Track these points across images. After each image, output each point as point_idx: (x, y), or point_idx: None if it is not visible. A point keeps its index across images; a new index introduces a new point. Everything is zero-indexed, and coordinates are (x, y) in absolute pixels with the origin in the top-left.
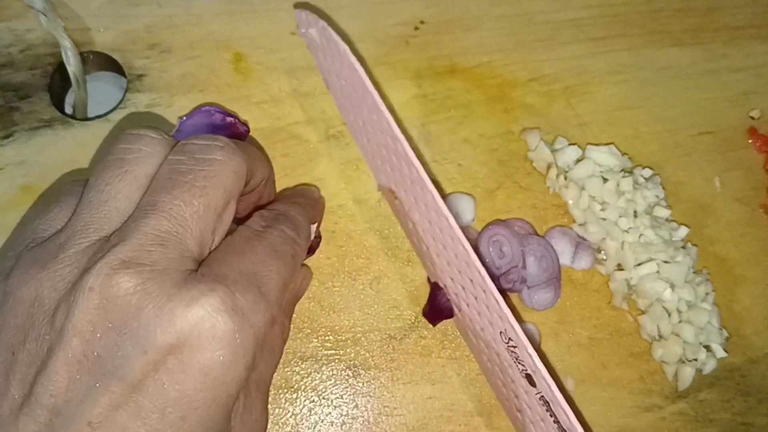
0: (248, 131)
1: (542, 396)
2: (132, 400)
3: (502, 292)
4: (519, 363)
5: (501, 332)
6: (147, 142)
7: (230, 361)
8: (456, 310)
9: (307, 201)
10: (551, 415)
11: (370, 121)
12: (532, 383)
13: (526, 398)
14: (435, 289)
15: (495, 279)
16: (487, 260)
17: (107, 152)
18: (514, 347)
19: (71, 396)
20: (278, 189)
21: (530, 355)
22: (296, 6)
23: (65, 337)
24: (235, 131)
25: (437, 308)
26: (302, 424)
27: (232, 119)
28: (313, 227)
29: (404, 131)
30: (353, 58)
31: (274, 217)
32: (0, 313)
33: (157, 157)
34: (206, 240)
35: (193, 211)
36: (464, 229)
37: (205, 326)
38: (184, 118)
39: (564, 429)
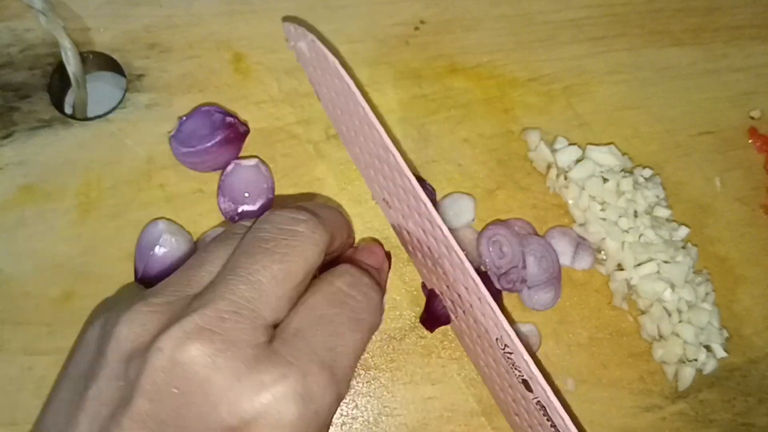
0: (248, 131)
1: (539, 401)
2: None
3: (499, 294)
4: (515, 369)
5: (497, 339)
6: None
7: None
8: (452, 317)
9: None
10: (548, 420)
11: (362, 132)
12: (529, 389)
13: (524, 403)
14: (431, 296)
15: (495, 279)
16: (487, 260)
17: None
18: (510, 353)
19: None
20: (277, 189)
21: (526, 362)
22: (285, 19)
23: (135, 393)
24: (234, 131)
25: (434, 315)
26: None
27: (231, 119)
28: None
29: (395, 141)
30: (343, 71)
31: (360, 278)
32: (85, 343)
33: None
34: (281, 307)
35: (271, 276)
36: (463, 229)
37: (271, 413)
38: (184, 118)
39: None
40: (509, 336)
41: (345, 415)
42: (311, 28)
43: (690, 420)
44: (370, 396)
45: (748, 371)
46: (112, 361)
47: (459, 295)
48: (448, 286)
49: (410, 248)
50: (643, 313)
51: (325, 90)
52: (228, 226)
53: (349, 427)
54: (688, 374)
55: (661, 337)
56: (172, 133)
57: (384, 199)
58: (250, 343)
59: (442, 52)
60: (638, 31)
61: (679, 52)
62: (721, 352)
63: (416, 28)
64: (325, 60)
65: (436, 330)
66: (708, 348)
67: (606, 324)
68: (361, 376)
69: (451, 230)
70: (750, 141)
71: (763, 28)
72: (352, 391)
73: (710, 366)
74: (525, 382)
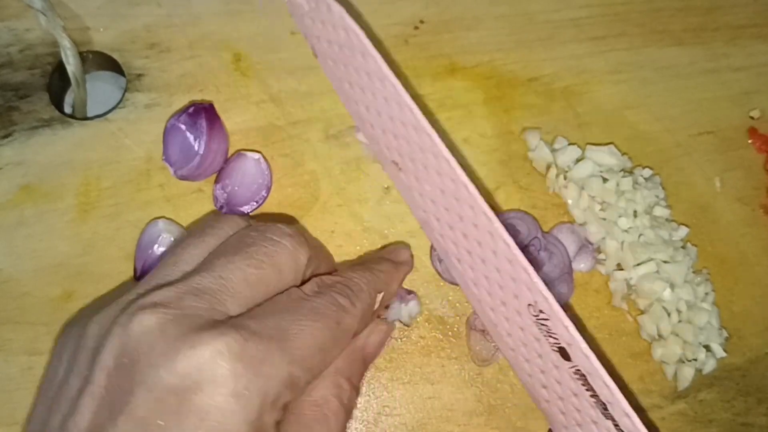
0: (211, 104)
1: (578, 369)
2: None
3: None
4: (550, 336)
5: (530, 305)
6: (231, 224)
7: (229, 410)
8: (470, 284)
9: (387, 267)
10: (588, 389)
11: (371, 87)
12: (566, 357)
13: (556, 373)
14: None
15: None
16: None
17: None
18: (545, 320)
19: (92, 430)
20: (276, 188)
21: (566, 327)
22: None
23: (95, 372)
24: (205, 113)
25: None
26: None
27: (191, 109)
28: (379, 296)
29: (413, 96)
30: (350, 20)
31: (331, 284)
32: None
33: (228, 234)
34: (250, 306)
35: (243, 277)
36: None
37: (206, 369)
38: (164, 146)
39: (603, 402)
40: (547, 300)
41: None
42: None
43: (689, 420)
44: (369, 396)
45: (747, 371)
46: (81, 357)
47: (483, 261)
48: (469, 252)
49: (422, 213)
50: (642, 312)
51: (325, 45)
52: (206, 222)
53: (349, 426)
54: (687, 374)
55: (660, 336)
56: (163, 158)
57: (393, 161)
58: (202, 317)
59: (442, 51)
60: (638, 30)
61: (680, 52)
62: (720, 352)
63: (416, 28)
64: (329, 9)
65: (436, 330)
66: (707, 348)
67: (605, 324)
68: None
69: None
70: (750, 141)
71: (764, 27)
72: None
73: (710, 366)
74: (561, 350)
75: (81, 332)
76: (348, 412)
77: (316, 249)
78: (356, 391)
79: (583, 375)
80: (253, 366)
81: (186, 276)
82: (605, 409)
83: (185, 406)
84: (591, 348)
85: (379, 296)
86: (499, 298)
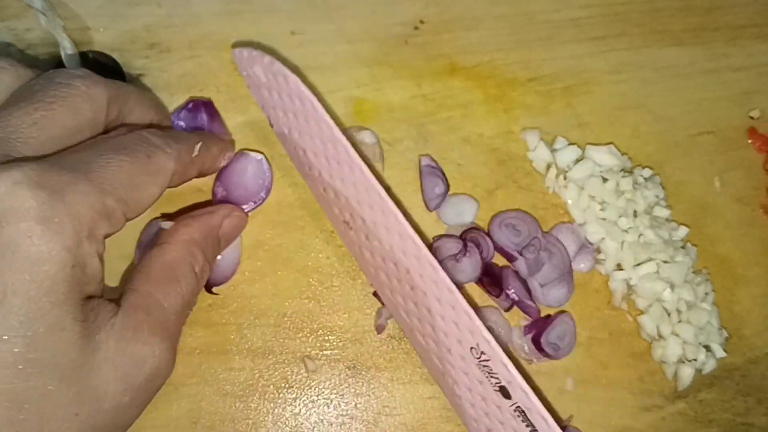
0: (210, 101)
1: (518, 407)
2: None
3: (499, 294)
4: (492, 376)
5: (472, 348)
6: (12, 76)
7: (40, 237)
8: (418, 336)
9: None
10: (528, 425)
11: (324, 152)
12: (506, 395)
13: (499, 414)
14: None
15: (515, 255)
16: (502, 242)
17: None
18: (487, 361)
19: None
20: (275, 188)
21: (505, 365)
22: (234, 45)
23: None
24: (204, 108)
25: None
26: (302, 424)
27: (190, 105)
28: (197, 146)
29: (364, 158)
30: (305, 88)
31: (137, 130)
32: None
33: (8, 85)
34: (46, 151)
35: (31, 121)
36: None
37: (5, 201)
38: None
39: None
40: (487, 341)
41: (345, 415)
42: (268, 49)
43: (689, 420)
44: (369, 396)
45: (747, 371)
46: None
47: (429, 310)
48: (416, 303)
49: (372, 270)
50: (642, 313)
51: (281, 114)
52: None
53: (349, 427)
54: (687, 374)
55: (660, 337)
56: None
57: (345, 221)
58: None
59: (442, 51)
60: (638, 30)
61: (680, 52)
62: (720, 352)
63: (416, 28)
64: (286, 80)
65: None
66: (707, 348)
67: (605, 324)
68: (361, 375)
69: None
70: (750, 141)
71: (764, 27)
72: (352, 390)
73: (709, 366)
74: (502, 389)
75: None
76: (199, 282)
77: (125, 94)
78: (209, 264)
79: (523, 411)
80: (57, 192)
81: None
82: None
83: None
84: (528, 384)
85: (197, 146)
86: (445, 345)
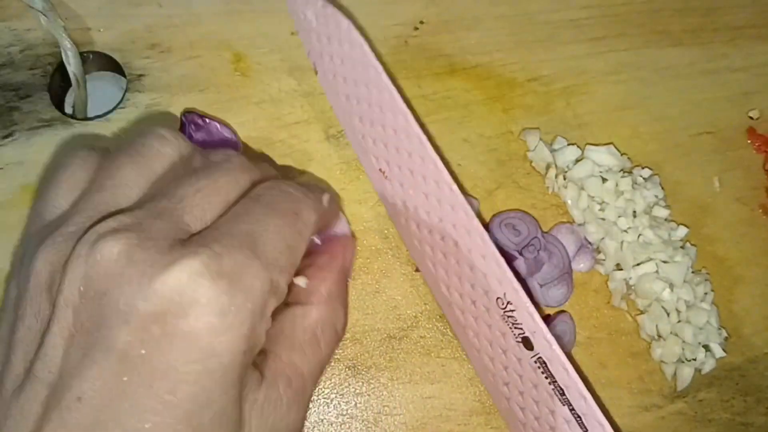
0: (238, 141)
1: (539, 358)
2: (117, 373)
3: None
4: (515, 327)
5: (498, 298)
6: (164, 142)
7: (219, 328)
8: (443, 288)
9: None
10: (547, 377)
11: (368, 98)
12: (528, 347)
13: (518, 367)
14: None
15: (515, 255)
16: (502, 242)
17: (125, 143)
18: (512, 311)
19: (64, 370)
20: None
21: (531, 315)
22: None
23: (58, 308)
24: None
25: None
26: None
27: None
28: (325, 197)
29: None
30: (356, 33)
31: (274, 181)
32: (6, 297)
33: (172, 157)
34: (206, 219)
35: (195, 189)
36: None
37: (187, 291)
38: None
39: (561, 387)
40: (516, 291)
41: (345, 415)
42: None
43: (689, 419)
44: (369, 395)
45: (746, 371)
46: (35, 296)
47: (458, 261)
48: (445, 254)
49: (402, 219)
50: (641, 312)
51: (328, 59)
52: (133, 141)
53: (349, 426)
54: (686, 374)
55: (659, 336)
56: None
57: (380, 169)
58: (168, 238)
59: (442, 52)
60: (638, 31)
61: (679, 52)
62: (719, 352)
63: (416, 28)
64: (337, 25)
65: (436, 329)
66: (707, 348)
67: (605, 324)
68: (361, 375)
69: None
70: (749, 141)
71: (763, 28)
72: (352, 390)
73: (709, 366)
74: (525, 341)
75: (26, 272)
76: (339, 338)
77: (263, 170)
78: (345, 311)
79: (544, 362)
80: (234, 280)
81: (140, 201)
82: (563, 394)
83: (169, 332)
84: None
85: (325, 197)
86: (470, 297)
